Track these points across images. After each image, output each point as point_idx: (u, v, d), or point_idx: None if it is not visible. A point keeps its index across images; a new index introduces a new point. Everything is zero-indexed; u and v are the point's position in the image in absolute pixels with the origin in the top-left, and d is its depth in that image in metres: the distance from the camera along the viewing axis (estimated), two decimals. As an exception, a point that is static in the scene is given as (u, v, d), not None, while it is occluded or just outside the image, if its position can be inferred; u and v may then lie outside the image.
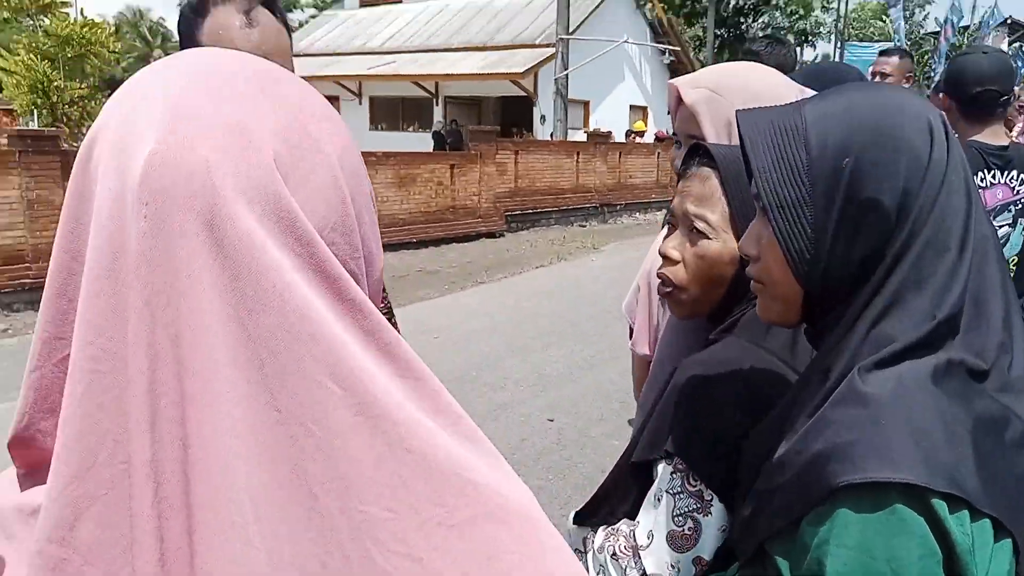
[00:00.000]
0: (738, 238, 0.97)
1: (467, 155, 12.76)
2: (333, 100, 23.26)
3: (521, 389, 5.24)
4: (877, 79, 4.04)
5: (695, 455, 0.99)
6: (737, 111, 0.86)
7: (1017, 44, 34.15)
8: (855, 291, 0.79)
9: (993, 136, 2.56)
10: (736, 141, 1.17)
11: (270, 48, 1.24)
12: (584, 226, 14.97)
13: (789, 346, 1.04)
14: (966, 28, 30.66)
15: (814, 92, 1.24)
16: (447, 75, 19.93)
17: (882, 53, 4.18)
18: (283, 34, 1.30)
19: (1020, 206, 2.57)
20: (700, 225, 1.06)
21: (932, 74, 23.20)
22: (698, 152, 1.11)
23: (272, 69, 0.53)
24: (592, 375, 5.53)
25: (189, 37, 1.24)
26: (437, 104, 21.67)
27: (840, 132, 0.78)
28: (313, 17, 31.39)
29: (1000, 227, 2.59)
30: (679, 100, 1.33)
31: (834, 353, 0.80)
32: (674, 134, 1.42)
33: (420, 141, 20.26)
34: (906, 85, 4.00)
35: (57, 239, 0.50)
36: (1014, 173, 2.58)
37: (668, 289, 1.11)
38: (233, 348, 0.44)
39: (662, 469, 1.03)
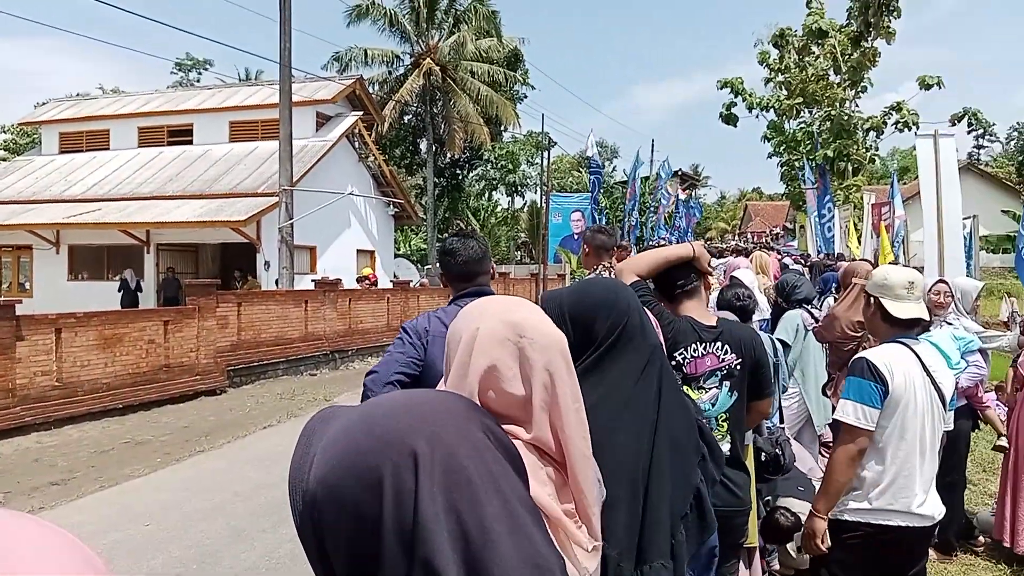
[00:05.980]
0: None
1: (183, 310, 11.97)
2: (25, 249, 20.92)
3: (247, 580, 4.79)
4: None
5: None
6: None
7: (689, 192, 40.79)
8: None
9: (702, 315, 3.02)
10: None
11: None
12: (315, 375, 14.57)
13: None
14: (646, 178, 36.22)
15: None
16: (160, 223, 18.86)
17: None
18: None
19: (725, 371, 3.03)
20: None
21: (623, 217, 27.07)
22: None
23: None
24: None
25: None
26: (148, 252, 20.30)
27: (321, 468, 0.84)
28: (3, 160, 28.33)
29: (709, 389, 3.03)
30: None
31: None
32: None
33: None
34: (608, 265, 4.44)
35: None
36: (719, 344, 3.05)
37: None
38: None
39: None
